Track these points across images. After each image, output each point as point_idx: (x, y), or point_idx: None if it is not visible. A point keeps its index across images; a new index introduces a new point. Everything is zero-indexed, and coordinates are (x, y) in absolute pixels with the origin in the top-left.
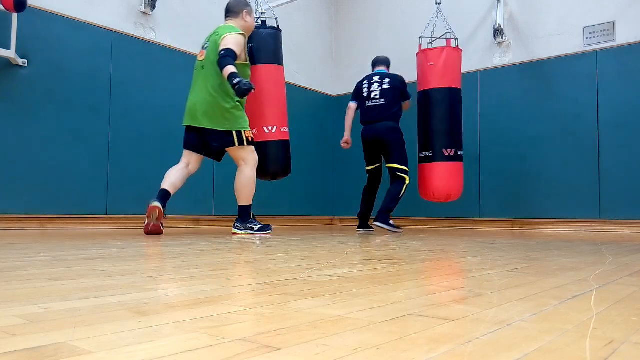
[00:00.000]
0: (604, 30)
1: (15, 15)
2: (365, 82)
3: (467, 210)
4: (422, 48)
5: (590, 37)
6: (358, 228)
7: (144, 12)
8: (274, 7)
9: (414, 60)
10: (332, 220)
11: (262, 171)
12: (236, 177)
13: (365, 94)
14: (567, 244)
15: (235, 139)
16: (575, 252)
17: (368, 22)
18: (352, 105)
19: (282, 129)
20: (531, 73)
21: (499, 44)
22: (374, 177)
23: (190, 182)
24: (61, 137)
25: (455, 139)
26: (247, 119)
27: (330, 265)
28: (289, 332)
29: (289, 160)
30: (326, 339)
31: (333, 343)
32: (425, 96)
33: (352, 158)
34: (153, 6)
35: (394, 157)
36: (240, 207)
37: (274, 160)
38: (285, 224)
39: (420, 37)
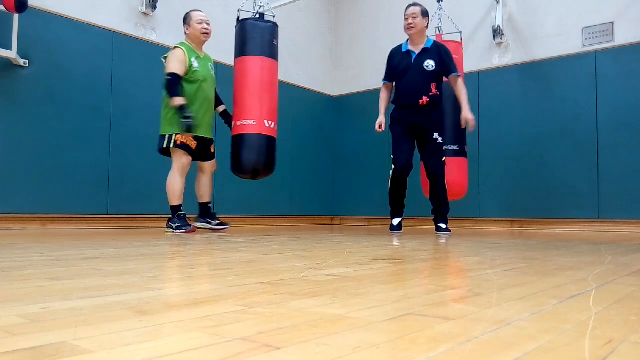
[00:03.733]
0: (603, 30)
1: (16, 16)
2: None
3: (466, 210)
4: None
5: (590, 38)
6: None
7: (144, 13)
8: (274, 8)
9: None
10: (332, 220)
11: (239, 168)
12: None
13: None
14: (566, 243)
15: (166, 142)
16: (574, 251)
17: (368, 22)
18: None
19: (268, 124)
20: (530, 73)
21: (499, 44)
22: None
23: (191, 182)
24: (62, 137)
25: (459, 134)
26: (181, 124)
27: (330, 264)
28: (289, 331)
29: (272, 157)
30: (326, 338)
31: (333, 342)
32: None
33: (352, 158)
34: (154, 7)
35: None
36: (170, 207)
37: (252, 156)
38: (285, 224)
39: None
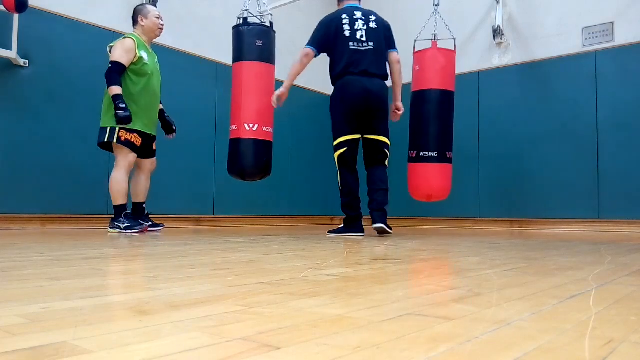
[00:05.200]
0: (603, 30)
1: (16, 16)
2: (344, 15)
3: (466, 210)
4: (415, 50)
5: (590, 38)
6: (359, 232)
7: None
8: (274, 8)
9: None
10: (332, 220)
11: (229, 171)
12: None
13: (347, 33)
14: (566, 243)
15: (107, 135)
16: (574, 251)
17: None
18: (311, 52)
19: (259, 128)
20: (530, 73)
21: (499, 44)
22: (353, 154)
23: (191, 182)
24: (62, 137)
25: (442, 141)
26: (134, 118)
27: (330, 264)
28: (289, 331)
29: (265, 161)
30: (326, 338)
31: (333, 342)
32: (417, 97)
33: None
34: (153, 7)
35: (384, 128)
36: (113, 206)
37: (245, 159)
38: (285, 224)
39: (417, 36)
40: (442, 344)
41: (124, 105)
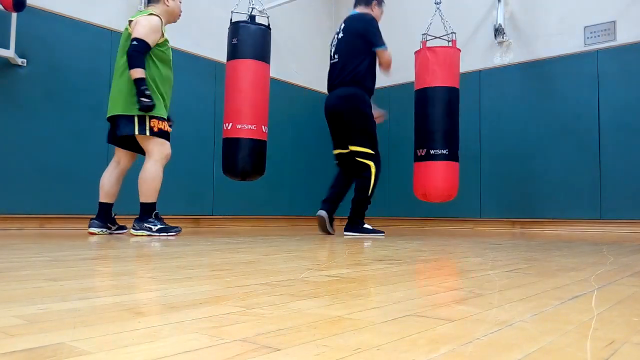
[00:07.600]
0: (605, 29)
1: (14, 15)
2: (334, 34)
3: (467, 210)
4: (426, 46)
5: (591, 37)
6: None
7: None
8: (273, 7)
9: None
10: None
11: (230, 170)
12: (141, 170)
13: (332, 51)
14: (568, 244)
15: (136, 126)
16: (576, 252)
17: None
18: None
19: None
20: (532, 73)
21: (500, 43)
22: (344, 166)
23: (190, 182)
24: (60, 137)
25: (452, 138)
26: (159, 108)
27: (330, 265)
28: (289, 332)
29: (262, 161)
30: (326, 340)
31: (333, 344)
32: (424, 94)
33: None
34: None
35: (352, 136)
36: (140, 204)
37: (244, 159)
38: (285, 224)
39: (424, 34)
40: (443, 345)
41: (149, 92)
